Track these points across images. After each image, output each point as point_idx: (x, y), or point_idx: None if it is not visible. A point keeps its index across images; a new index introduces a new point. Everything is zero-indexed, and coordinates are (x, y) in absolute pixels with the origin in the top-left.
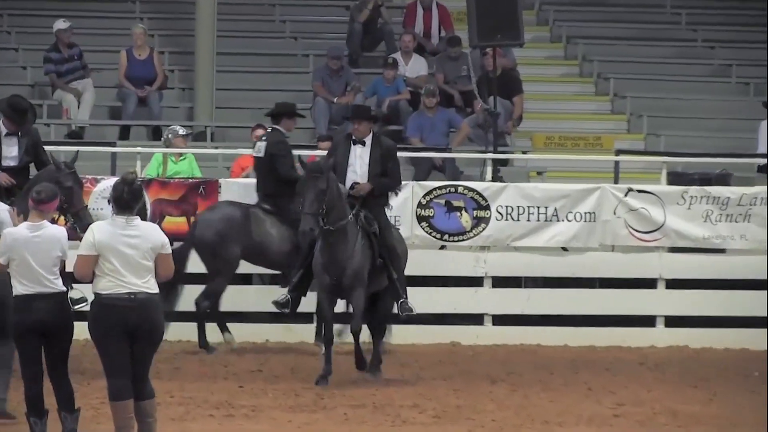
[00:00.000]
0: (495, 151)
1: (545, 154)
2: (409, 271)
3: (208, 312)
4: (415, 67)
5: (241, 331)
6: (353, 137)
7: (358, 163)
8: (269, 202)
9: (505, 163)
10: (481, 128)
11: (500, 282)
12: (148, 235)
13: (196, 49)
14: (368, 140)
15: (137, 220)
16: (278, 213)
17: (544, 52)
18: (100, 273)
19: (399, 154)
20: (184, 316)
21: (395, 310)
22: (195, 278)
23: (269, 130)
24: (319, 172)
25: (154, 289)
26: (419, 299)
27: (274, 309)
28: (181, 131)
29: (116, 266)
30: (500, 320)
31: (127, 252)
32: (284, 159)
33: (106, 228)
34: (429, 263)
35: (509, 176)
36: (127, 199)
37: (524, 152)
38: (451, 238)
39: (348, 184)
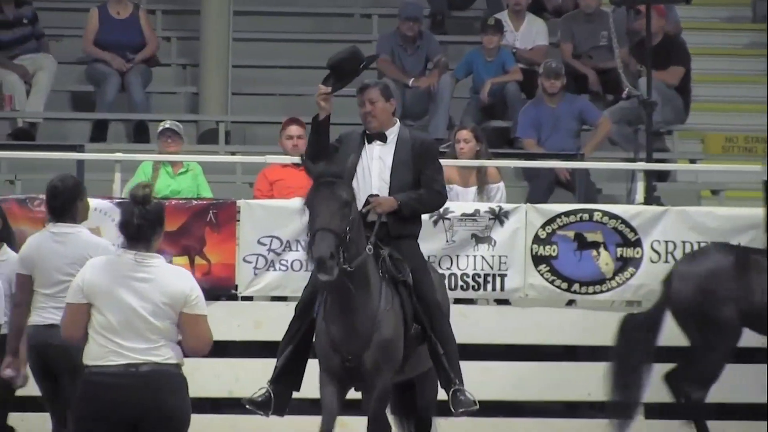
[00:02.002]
0: (649, 160)
1: (723, 163)
2: (521, 336)
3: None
4: (529, 33)
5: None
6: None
7: (376, 168)
8: None
9: (664, 176)
10: (630, 125)
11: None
12: (166, 282)
13: (202, 7)
14: (392, 134)
15: (156, 259)
16: None
17: (721, 11)
18: (92, 332)
19: (506, 162)
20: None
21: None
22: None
23: None
24: (337, 176)
25: (170, 357)
26: (531, 377)
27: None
28: (167, 125)
29: (110, 323)
30: (656, 411)
31: (130, 302)
32: None
33: (103, 265)
34: (549, 326)
35: (671, 197)
36: (152, 220)
37: (692, 161)
38: (584, 289)
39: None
